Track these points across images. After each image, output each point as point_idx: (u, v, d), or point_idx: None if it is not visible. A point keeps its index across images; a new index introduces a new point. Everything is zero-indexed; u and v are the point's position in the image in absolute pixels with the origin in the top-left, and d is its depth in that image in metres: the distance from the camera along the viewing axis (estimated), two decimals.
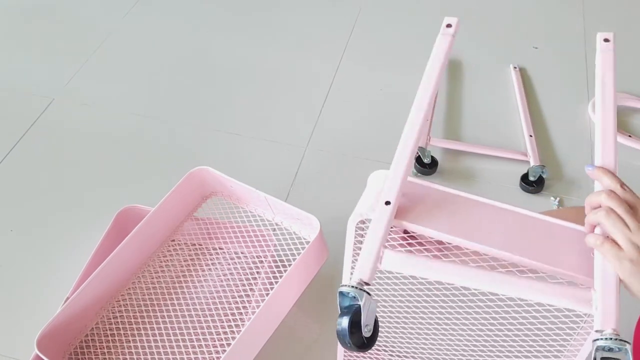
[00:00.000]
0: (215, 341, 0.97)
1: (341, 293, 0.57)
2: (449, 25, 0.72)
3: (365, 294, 0.57)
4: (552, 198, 1.24)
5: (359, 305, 0.56)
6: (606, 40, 0.65)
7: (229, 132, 1.39)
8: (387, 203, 0.62)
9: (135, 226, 1.01)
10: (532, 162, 1.29)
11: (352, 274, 0.61)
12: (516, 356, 0.71)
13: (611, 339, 0.51)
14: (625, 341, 0.51)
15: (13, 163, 1.31)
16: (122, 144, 1.36)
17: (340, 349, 0.91)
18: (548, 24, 1.70)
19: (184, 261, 1.09)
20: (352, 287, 0.57)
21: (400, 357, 0.86)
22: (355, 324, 0.56)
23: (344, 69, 1.55)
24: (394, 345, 0.83)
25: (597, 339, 0.52)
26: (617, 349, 0.51)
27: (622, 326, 0.53)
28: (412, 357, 0.83)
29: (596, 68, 0.64)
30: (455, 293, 0.67)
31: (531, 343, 0.68)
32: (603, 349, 0.52)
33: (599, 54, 0.65)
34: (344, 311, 0.57)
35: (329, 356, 0.99)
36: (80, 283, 0.98)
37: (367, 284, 0.57)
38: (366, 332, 0.58)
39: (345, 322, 0.56)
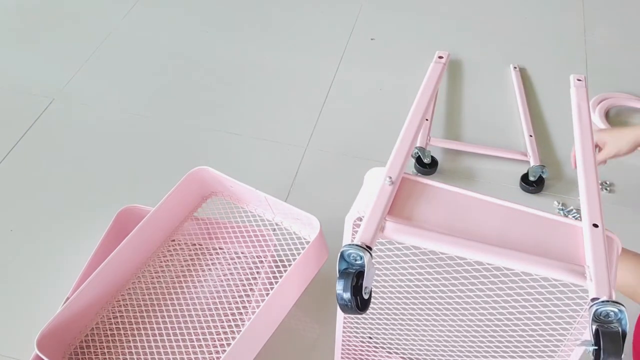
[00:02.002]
0: (215, 341, 0.97)
1: (342, 255, 0.59)
2: (440, 57, 0.82)
3: (368, 253, 0.58)
4: (555, 202, 1.23)
5: (356, 270, 0.58)
6: (579, 80, 0.77)
7: (229, 132, 1.39)
8: (390, 178, 0.65)
9: (135, 226, 1.01)
10: (532, 162, 1.29)
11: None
12: (518, 339, 0.71)
13: (607, 301, 0.54)
14: (621, 304, 0.53)
15: (13, 163, 1.31)
16: (122, 143, 1.36)
17: (337, 348, 0.91)
18: (548, 24, 1.70)
19: (184, 261, 1.09)
20: (356, 245, 0.58)
21: (399, 353, 0.86)
22: (353, 287, 0.58)
23: (344, 69, 1.55)
24: (392, 340, 0.83)
25: (594, 305, 0.54)
26: (613, 314, 0.53)
27: None
28: (410, 350, 0.83)
29: (572, 98, 0.76)
30: (456, 277, 0.67)
31: (533, 326, 0.68)
32: (599, 316, 0.54)
33: (573, 88, 0.76)
34: (343, 273, 0.58)
35: (329, 356, 0.99)
36: (80, 283, 0.98)
37: (369, 247, 0.59)
38: (366, 293, 0.60)
39: (341, 285, 0.58)
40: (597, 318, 0.54)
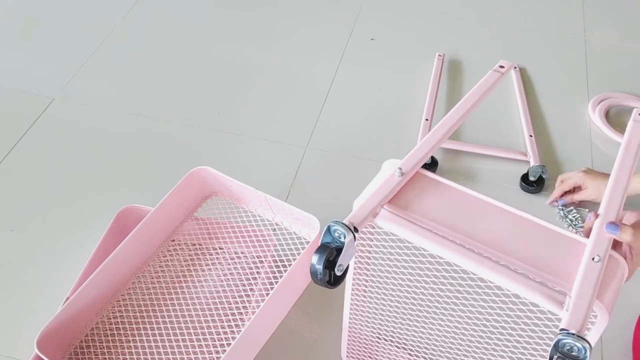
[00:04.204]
0: (215, 341, 0.97)
1: (328, 228, 0.60)
2: (501, 66, 0.81)
3: (352, 234, 0.60)
4: (555, 203, 1.23)
5: (337, 246, 0.60)
6: None
7: (229, 132, 1.39)
8: (400, 169, 0.66)
9: (135, 226, 1.01)
10: (532, 162, 1.29)
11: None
12: (495, 347, 0.72)
13: (574, 335, 0.52)
14: (588, 342, 0.52)
15: (13, 163, 1.31)
16: (122, 144, 1.36)
17: (344, 346, 0.91)
18: (548, 24, 1.70)
19: (184, 261, 1.09)
20: (342, 223, 0.60)
21: (400, 347, 0.86)
22: (328, 262, 0.60)
23: (344, 69, 1.55)
24: (395, 333, 0.84)
25: (559, 335, 0.53)
26: (576, 350, 0.52)
27: (622, 327, 0.53)
28: (412, 344, 0.84)
29: (625, 133, 0.72)
30: (446, 277, 0.68)
31: (509, 336, 0.69)
32: (563, 347, 0.53)
33: (631, 123, 0.73)
34: (322, 246, 0.60)
35: (330, 356, 0.99)
36: (80, 283, 0.98)
37: (356, 229, 0.60)
38: (339, 270, 0.61)
39: (316, 257, 0.59)
40: (560, 349, 0.53)
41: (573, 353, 0.52)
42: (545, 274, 0.59)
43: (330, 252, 0.60)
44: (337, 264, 0.60)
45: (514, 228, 0.63)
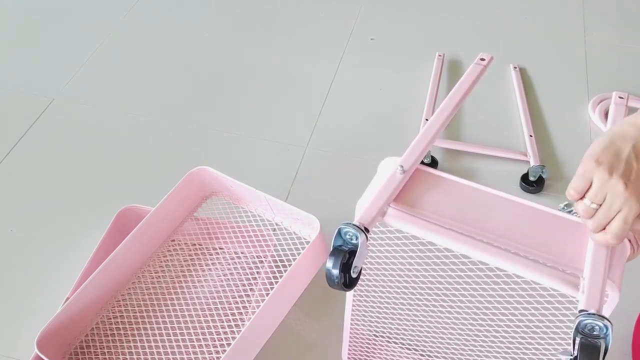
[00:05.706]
0: (215, 341, 0.97)
1: (339, 232, 0.60)
2: (482, 59, 0.81)
3: (363, 234, 0.59)
4: (560, 205, 1.23)
5: (349, 248, 0.60)
6: (620, 97, 0.77)
7: (229, 132, 1.39)
8: (402, 167, 0.66)
9: (135, 226, 1.01)
10: (532, 162, 1.29)
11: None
12: (510, 339, 0.72)
13: (594, 315, 0.53)
14: (608, 320, 0.53)
15: (13, 163, 1.31)
16: (122, 144, 1.36)
17: (345, 346, 0.91)
18: (548, 24, 1.70)
19: (184, 261, 1.09)
20: (353, 225, 0.59)
21: (404, 345, 0.86)
22: (343, 265, 0.60)
23: (344, 69, 1.55)
24: (398, 332, 0.84)
25: (580, 316, 0.53)
26: (598, 328, 0.53)
27: (621, 326, 0.54)
28: (417, 342, 0.84)
29: (609, 117, 0.76)
30: (454, 269, 0.68)
31: (525, 329, 0.69)
32: (584, 328, 0.53)
33: (612, 106, 0.76)
34: (336, 249, 0.60)
35: (330, 356, 0.99)
36: (80, 283, 0.98)
37: (367, 230, 0.60)
38: (354, 272, 0.61)
39: (331, 262, 0.59)
40: (581, 330, 0.53)
41: (595, 332, 0.53)
42: (554, 257, 0.60)
43: (344, 255, 0.59)
44: (353, 266, 0.60)
45: (517, 215, 0.64)
